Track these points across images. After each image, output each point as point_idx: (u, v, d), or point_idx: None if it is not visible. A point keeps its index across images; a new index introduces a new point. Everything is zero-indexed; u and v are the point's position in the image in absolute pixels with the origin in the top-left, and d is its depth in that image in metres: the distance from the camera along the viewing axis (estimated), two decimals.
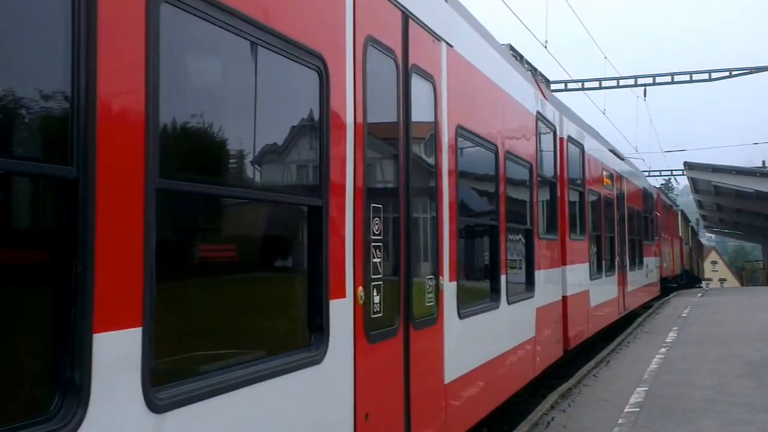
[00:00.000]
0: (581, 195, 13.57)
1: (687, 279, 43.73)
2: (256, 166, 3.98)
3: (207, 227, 3.79)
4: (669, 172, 54.08)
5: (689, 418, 8.92)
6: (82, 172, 2.60)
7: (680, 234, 41.07)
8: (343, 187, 4.62)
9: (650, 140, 68.74)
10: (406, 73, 5.60)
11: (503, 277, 8.13)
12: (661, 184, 62.78)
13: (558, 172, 11.64)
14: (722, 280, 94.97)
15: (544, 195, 10.75)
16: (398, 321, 5.35)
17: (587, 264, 13.72)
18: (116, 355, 2.75)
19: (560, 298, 11.51)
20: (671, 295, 31.71)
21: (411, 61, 5.68)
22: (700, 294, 34.00)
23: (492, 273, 8.06)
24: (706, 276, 77.52)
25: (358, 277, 4.75)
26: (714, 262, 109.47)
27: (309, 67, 4.23)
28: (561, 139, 11.98)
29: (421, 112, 5.92)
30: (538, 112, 10.34)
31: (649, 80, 32.00)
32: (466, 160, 7.22)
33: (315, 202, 4.31)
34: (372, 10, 5.07)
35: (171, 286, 3.28)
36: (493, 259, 8.05)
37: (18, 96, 2.52)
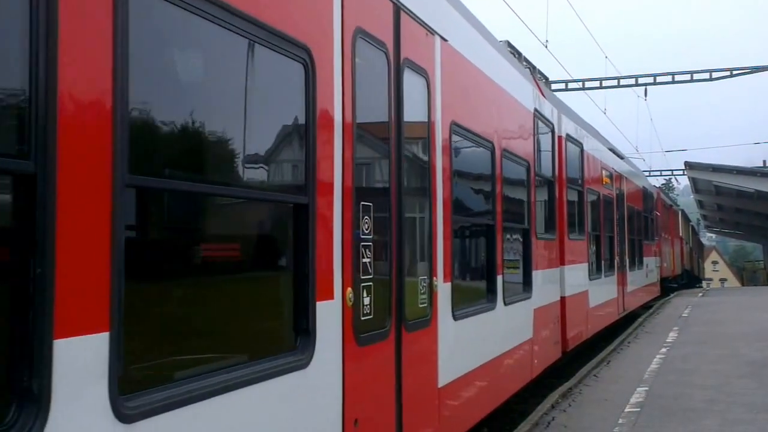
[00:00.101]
0: (580, 194, 13.40)
1: (687, 279, 43.58)
2: (237, 161, 3.80)
3: (183, 226, 3.61)
4: (669, 172, 54.01)
5: (690, 418, 8.88)
6: (40, 167, 2.43)
7: (681, 234, 40.92)
8: (331, 184, 4.45)
9: (651, 140, 68.50)
10: (397, 67, 5.43)
11: (500, 278, 7.96)
12: (662, 184, 62.63)
13: (556, 171, 11.47)
14: (723, 280, 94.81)
15: (541, 194, 10.57)
16: (389, 323, 5.18)
17: (586, 264, 13.54)
18: (80, 362, 2.58)
19: (558, 298, 11.34)
20: (672, 295, 31.63)
21: (403, 54, 5.52)
22: (700, 294, 33.94)
23: (488, 273, 7.88)
24: (707, 276, 77.41)
25: (347, 277, 4.59)
26: (715, 262, 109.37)
27: (294, 60, 4.06)
28: (559, 137, 11.81)
29: (413, 108, 5.76)
30: (535, 110, 10.17)
31: (650, 80, 31.93)
32: (461, 158, 7.06)
33: (300, 199, 4.15)
34: (361, 2, 4.90)
35: (143, 288, 3.11)
36: (490, 259, 7.88)
37: None
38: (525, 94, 9.76)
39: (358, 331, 4.68)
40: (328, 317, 4.34)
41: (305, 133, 4.17)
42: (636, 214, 21.31)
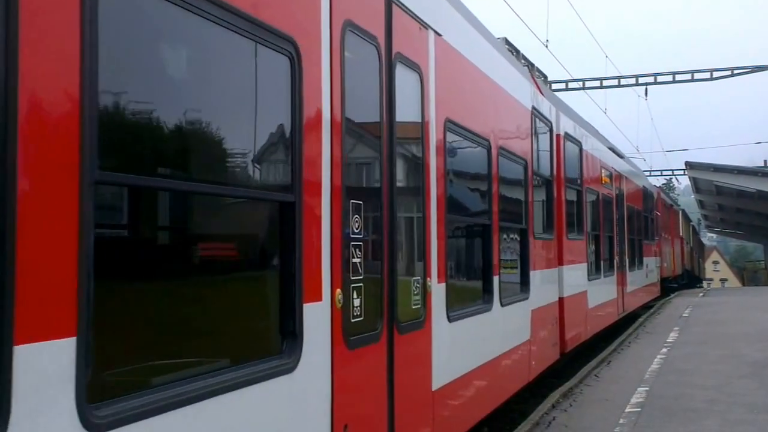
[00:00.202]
0: (579, 193, 13.25)
1: (688, 279, 43.45)
2: (218, 158, 3.65)
3: (161, 225, 3.47)
4: (670, 172, 53.89)
5: (690, 418, 8.85)
6: None
7: (681, 234, 40.79)
8: (319, 181, 4.30)
9: (651, 140, 68.33)
10: (389, 61, 5.29)
11: (496, 278, 7.81)
12: (663, 184, 62.51)
13: (554, 170, 11.32)
14: (723, 280, 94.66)
15: (539, 193, 10.42)
16: (381, 325, 5.03)
17: (585, 264, 13.39)
18: (43, 369, 2.43)
19: (557, 299, 11.18)
20: (672, 295, 31.55)
21: (395, 49, 5.37)
22: (701, 294, 33.88)
23: (484, 274, 7.73)
24: (708, 276, 77.25)
25: (336, 278, 4.44)
26: (716, 262, 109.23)
27: (279, 53, 3.92)
28: (558, 135, 11.66)
29: (406, 104, 5.61)
30: (533, 108, 10.02)
31: (651, 79, 31.85)
32: (456, 156, 6.92)
33: (287, 197, 4.00)
34: None
35: (116, 290, 2.96)
36: (486, 260, 7.73)
37: None
38: (522, 91, 9.61)
39: (347, 334, 4.54)
40: (316, 319, 4.20)
41: (291, 129, 4.03)
42: (636, 214, 21.15)
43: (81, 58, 2.61)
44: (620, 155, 20.16)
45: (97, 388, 2.66)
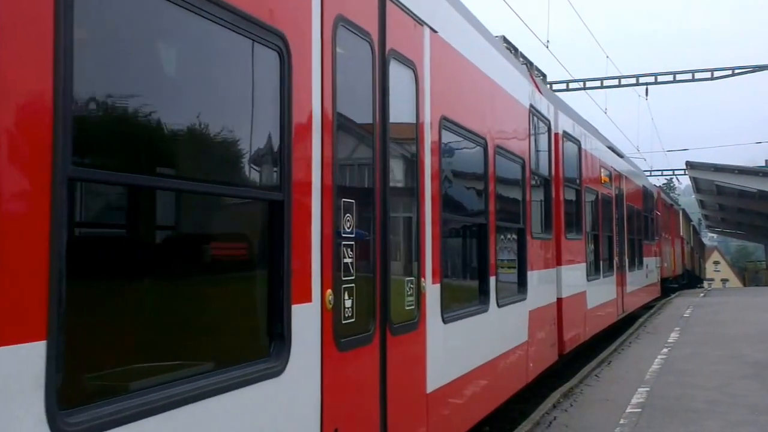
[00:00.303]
0: (578, 193, 13.12)
1: (688, 279, 43.33)
2: (203, 154, 3.54)
3: (141, 223, 3.34)
4: (671, 172, 53.84)
5: (691, 419, 8.82)
6: None
7: (681, 233, 40.66)
8: (309, 179, 4.19)
9: (652, 140, 68.28)
10: (383, 58, 5.18)
11: (493, 279, 7.69)
12: (663, 184, 62.42)
13: (553, 169, 11.20)
14: (724, 281, 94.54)
15: (537, 192, 10.30)
16: (373, 326, 4.93)
17: (584, 264, 13.27)
18: (10, 374, 2.33)
19: (555, 300, 11.04)
20: (673, 295, 31.47)
21: (389, 45, 5.27)
22: (702, 294, 33.80)
23: (481, 274, 7.61)
24: (709, 276, 77.20)
25: (327, 279, 4.33)
26: (716, 263, 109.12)
27: (268, 47, 3.81)
28: (556, 134, 11.54)
29: (400, 101, 5.51)
30: (531, 106, 9.90)
31: (651, 79, 31.86)
32: (451, 154, 6.81)
33: (275, 196, 3.89)
34: None
35: (92, 291, 2.85)
36: (482, 260, 7.61)
37: None
38: (520, 89, 9.50)
39: (338, 336, 4.43)
40: (305, 321, 4.09)
41: (280, 125, 3.92)
42: (636, 214, 21.02)
43: (55, 47, 2.50)
44: (620, 154, 20.04)
45: (69, 394, 2.55)
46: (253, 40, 3.69)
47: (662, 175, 54.87)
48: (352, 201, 4.70)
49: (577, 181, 13.14)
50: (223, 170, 3.75)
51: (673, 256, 35.07)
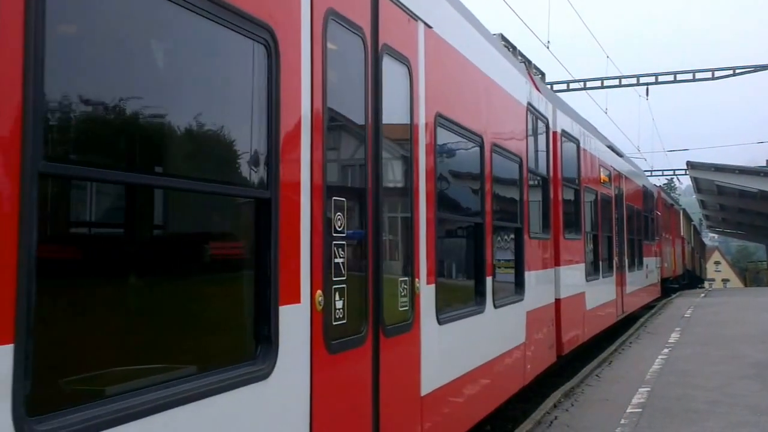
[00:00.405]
0: (576, 192, 13.00)
1: (689, 279, 43.21)
2: (185, 150, 3.42)
3: (120, 222, 3.23)
4: (672, 172, 53.77)
5: (692, 419, 8.77)
6: None
7: (682, 233, 40.55)
8: (297, 177, 4.08)
9: (653, 140, 68.24)
10: (375, 53, 5.07)
11: (489, 279, 7.57)
12: (664, 184, 62.38)
13: (551, 168, 11.07)
14: (725, 281, 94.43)
15: (535, 191, 10.17)
16: (366, 328, 4.81)
17: (583, 264, 13.13)
18: None
19: (553, 300, 10.90)
20: (674, 296, 31.38)
21: (382, 40, 5.16)
22: (703, 294, 33.70)
23: (477, 274, 7.48)
24: (709, 276, 77.12)
25: (317, 279, 4.22)
26: (717, 263, 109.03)
27: (254, 40, 3.70)
28: (554, 132, 11.42)
29: (394, 98, 5.39)
30: (529, 104, 9.78)
31: (652, 79, 31.81)
32: (446, 152, 6.70)
33: (262, 193, 3.78)
34: None
35: (65, 292, 2.74)
36: (478, 260, 7.49)
37: None
38: (518, 87, 9.38)
39: (329, 338, 4.32)
40: (294, 322, 3.98)
41: (268, 121, 3.81)
42: (636, 214, 20.90)
43: (25, 39, 2.39)
44: (620, 154, 19.93)
45: (39, 400, 2.44)
46: (239, 32, 3.58)
47: (663, 175, 54.83)
48: (344, 199, 4.59)
49: (576, 180, 13.02)
50: (207, 167, 3.63)
51: (674, 257, 34.96)
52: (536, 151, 10.17)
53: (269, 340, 3.75)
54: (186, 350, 3.40)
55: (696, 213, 60.41)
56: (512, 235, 8.88)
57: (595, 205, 14.92)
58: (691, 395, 10.09)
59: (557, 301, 11.08)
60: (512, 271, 8.88)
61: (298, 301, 4.04)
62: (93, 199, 3.04)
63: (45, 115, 2.47)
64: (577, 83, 30.69)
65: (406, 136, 5.67)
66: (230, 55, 3.67)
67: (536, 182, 10.25)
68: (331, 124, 4.47)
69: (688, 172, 39.68)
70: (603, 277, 15.04)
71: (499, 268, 8.19)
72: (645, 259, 22.58)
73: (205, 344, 3.55)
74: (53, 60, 2.51)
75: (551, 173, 11.05)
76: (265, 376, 3.69)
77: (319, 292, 4.21)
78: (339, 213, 4.52)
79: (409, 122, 5.68)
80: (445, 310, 6.30)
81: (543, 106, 10.74)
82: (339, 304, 4.47)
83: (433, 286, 5.99)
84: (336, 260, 4.46)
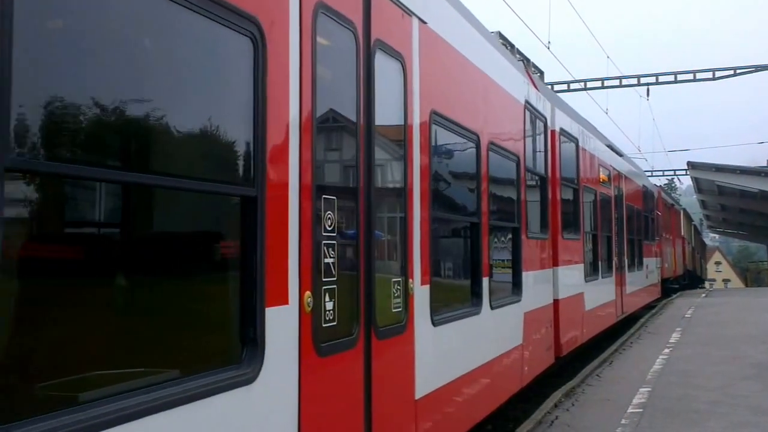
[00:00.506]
0: (575, 192, 12.88)
1: (690, 280, 43.10)
2: (167, 146, 3.29)
3: (98, 220, 3.10)
4: (672, 172, 53.71)
5: (693, 419, 8.72)
6: None
7: (683, 234, 40.43)
8: (286, 174, 3.96)
9: (653, 140, 68.44)
10: (367, 48, 4.96)
11: (485, 280, 7.44)
12: (665, 184, 62.28)
13: (549, 167, 10.95)
14: (726, 281, 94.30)
15: (533, 191, 10.04)
16: (357, 330, 4.69)
17: (582, 265, 13.00)
18: None
19: (551, 301, 10.77)
20: (675, 296, 31.30)
21: (374, 35, 5.04)
22: (703, 294, 33.64)
23: (473, 275, 7.36)
24: (710, 277, 77.02)
25: (306, 280, 4.10)
26: (718, 263, 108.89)
27: (240, 33, 3.58)
28: (552, 131, 11.29)
29: (386, 94, 5.27)
30: (527, 102, 9.66)
31: (653, 79, 31.79)
32: (441, 150, 6.58)
33: (248, 191, 3.66)
34: None
35: (34, 293, 2.62)
36: (474, 260, 7.36)
37: None
38: (515, 84, 9.25)
39: (318, 340, 4.19)
40: (281, 324, 3.86)
41: (254, 116, 3.69)
42: (636, 214, 20.78)
43: None
44: (619, 153, 19.81)
45: (6, 409, 2.32)
46: (223, 25, 3.46)
47: (663, 175, 54.81)
48: (334, 197, 4.47)
49: (575, 179, 12.89)
50: (190, 163, 3.50)
51: (674, 257, 34.86)
52: (534, 150, 10.04)
53: (255, 343, 3.63)
54: (167, 353, 3.27)
55: (697, 213, 60.30)
56: (509, 235, 8.76)
57: (595, 205, 14.80)
58: (692, 395, 10.05)
59: (555, 301, 10.94)
60: (509, 271, 8.75)
61: (286, 303, 3.92)
62: (69, 197, 2.93)
63: (11, 110, 2.35)
64: (577, 83, 30.66)
65: (400, 133, 5.55)
66: (214, 49, 3.54)
67: (534, 181, 10.12)
68: (321, 121, 4.35)
69: (688, 173, 39.58)
70: (602, 277, 14.91)
71: (496, 268, 8.06)
72: (645, 260, 22.46)
73: (187, 347, 3.42)
74: (21, 52, 2.39)
75: (549, 172, 10.93)
76: (250, 380, 3.57)
77: (308, 293, 4.09)
78: (329, 211, 4.41)
79: (402, 119, 5.56)
80: (440, 312, 6.17)
81: (541, 104, 10.62)
82: (329, 306, 4.36)
83: (427, 287, 5.87)
84: (326, 260, 4.34)
